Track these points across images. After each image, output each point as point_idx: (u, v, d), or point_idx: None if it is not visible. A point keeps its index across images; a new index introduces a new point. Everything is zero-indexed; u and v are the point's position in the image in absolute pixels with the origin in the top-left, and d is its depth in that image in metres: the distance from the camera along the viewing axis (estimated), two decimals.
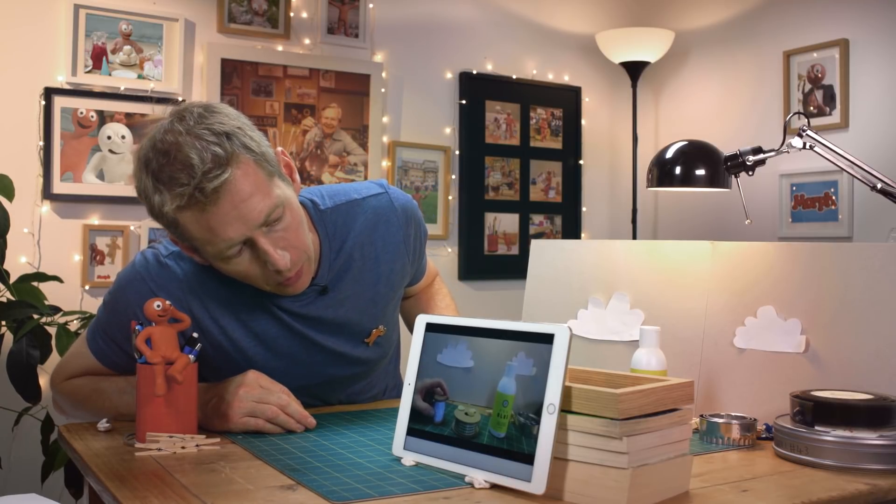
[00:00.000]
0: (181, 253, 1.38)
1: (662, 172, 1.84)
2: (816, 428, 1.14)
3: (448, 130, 3.64)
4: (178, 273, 1.37)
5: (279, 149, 1.34)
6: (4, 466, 2.59)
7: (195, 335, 1.25)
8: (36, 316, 2.35)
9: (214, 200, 1.20)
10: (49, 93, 2.82)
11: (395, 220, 1.49)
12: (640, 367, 1.30)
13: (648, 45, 3.66)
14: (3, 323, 2.37)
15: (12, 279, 2.45)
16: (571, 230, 3.93)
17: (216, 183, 1.19)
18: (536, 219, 3.84)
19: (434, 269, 1.77)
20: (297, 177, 1.37)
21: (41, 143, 2.82)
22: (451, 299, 1.77)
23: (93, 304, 2.84)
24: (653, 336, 1.32)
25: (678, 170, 1.82)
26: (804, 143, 1.70)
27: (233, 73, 3.14)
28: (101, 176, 2.91)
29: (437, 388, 1.09)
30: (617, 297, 1.52)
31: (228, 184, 1.21)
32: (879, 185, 1.64)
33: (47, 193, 2.82)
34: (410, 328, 1.60)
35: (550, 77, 3.89)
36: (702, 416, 1.27)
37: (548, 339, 0.98)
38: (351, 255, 1.44)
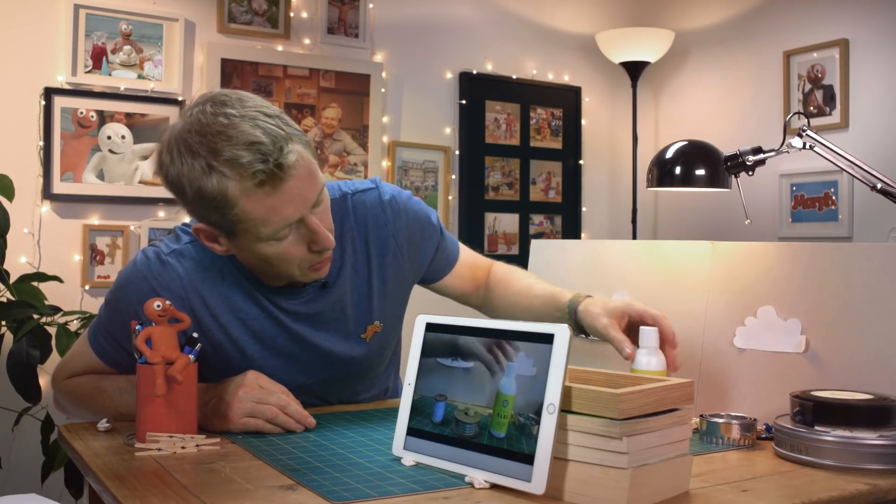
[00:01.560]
0: (182, 251, 1.38)
1: (662, 172, 1.84)
2: (816, 428, 1.13)
3: (448, 130, 3.64)
4: (179, 271, 1.37)
5: None
6: (4, 466, 2.59)
7: (195, 335, 1.25)
8: (36, 316, 2.35)
9: (291, 175, 1.21)
10: (49, 93, 2.82)
11: (383, 216, 1.49)
12: (640, 367, 1.30)
13: (648, 45, 3.66)
14: (3, 323, 2.37)
15: (12, 279, 2.45)
16: (571, 230, 3.93)
17: (291, 159, 1.20)
18: (536, 219, 3.84)
19: (485, 260, 1.66)
20: None
21: (41, 143, 2.82)
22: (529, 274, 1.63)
23: (93, 304, 2.84)
24: (653, 336, 1.31)
25: (678, 170, 1.82)
26: (804, 143, 1.70)
27: (233, 73, 3.14)
28: (101, 176, 2.91)
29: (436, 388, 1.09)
30: (617, 298, 1.52)
31: (298, 160, 1.22)
32: (879, 185, 1.64)
33: (47, 193, 2.82)
34: (497, 314, 1.57)
35: (550, 77, 3.89)
36: (702, 416, 1.27)
37: (548, 339, 0.98)
38: (344, 251, 1.45)
